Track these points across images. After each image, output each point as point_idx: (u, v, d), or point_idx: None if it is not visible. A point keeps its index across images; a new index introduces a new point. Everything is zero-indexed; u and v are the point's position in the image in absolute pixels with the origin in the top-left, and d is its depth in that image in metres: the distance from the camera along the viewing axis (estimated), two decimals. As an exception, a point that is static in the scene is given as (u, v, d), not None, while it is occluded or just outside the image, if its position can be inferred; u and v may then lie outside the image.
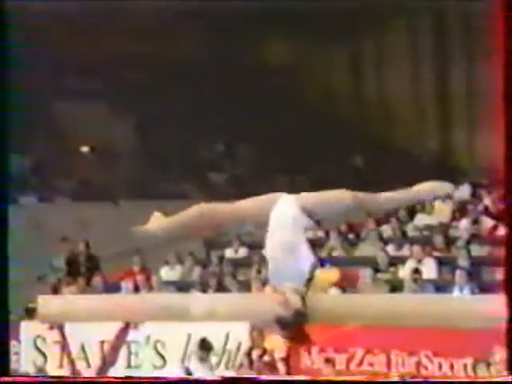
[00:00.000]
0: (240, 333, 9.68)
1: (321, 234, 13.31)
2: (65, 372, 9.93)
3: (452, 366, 8.74)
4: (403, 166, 14.45)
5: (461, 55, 15.17)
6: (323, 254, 12.31)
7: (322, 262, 11.85)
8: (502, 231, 11.77)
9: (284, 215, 4.32)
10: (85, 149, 16.38)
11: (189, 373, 9.44)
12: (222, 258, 12.80)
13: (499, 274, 10.02)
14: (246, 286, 10.95)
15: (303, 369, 9.52)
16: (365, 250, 12.04)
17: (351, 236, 12.71)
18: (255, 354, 9.54)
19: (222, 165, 16.28)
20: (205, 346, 9.51)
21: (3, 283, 3.15)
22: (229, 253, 13.12)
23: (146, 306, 5.08)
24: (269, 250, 4.26)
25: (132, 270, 12.12)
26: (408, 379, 4.56)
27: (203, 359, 9.49)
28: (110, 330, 6.99)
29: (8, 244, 3.41)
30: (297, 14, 14.23)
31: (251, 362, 9.50)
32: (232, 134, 15.79)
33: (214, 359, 9.71)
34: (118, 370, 10.12)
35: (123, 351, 10.35)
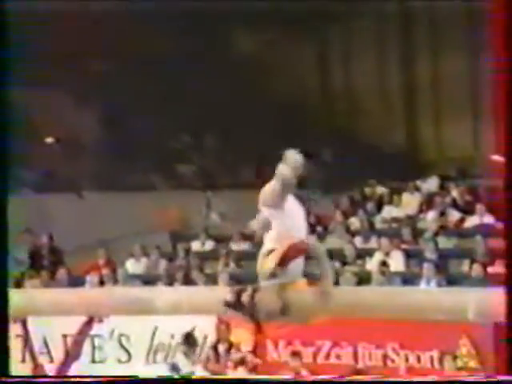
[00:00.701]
0: (206, 326, 9.65)
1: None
2: (26, 366, 9.84)
3: (419, 359, 8.80)
4: (370, 159, 14.51)
5: (427, 47, 15.24)
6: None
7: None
8: (469, 223, 11.89)
9: None
10: (49, 140, 16.21)
11: (176, 369, 9.41)
12: (188, 251, 12.76)
13: (466, 267, 10.12)
14: (212, 280, 10.92)
15: (270, 362, 9.53)
16: (332, 242, 12.08)
17: (319, 228, 12.74)
18: (222, 347, 9.53)
19: (190, 156, 16.20)
20: (190, 341, 9.48)
21: (2, 283, 3.10)
22: (195, 246, 13.08)
23: (110, 300, 5.04)
24: None
25: (97, 263, 12.02)
26: (408, 379, 4.58)
27: (188, 354, 9.46)
28: (73, 324, 6.94)
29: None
30: (264, 6, 14.20)
31: (217, 355, 9.49)
32: (199, 125, 15.72)
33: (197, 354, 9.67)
34: (81, 365, 10.07)
35: (87, 345, 10.28)
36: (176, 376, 7.66)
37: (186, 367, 9.36)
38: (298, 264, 4.49)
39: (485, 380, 3.58)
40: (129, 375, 8.23)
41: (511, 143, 2.24)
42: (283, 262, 4.43)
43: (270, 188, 4.59)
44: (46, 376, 8.33)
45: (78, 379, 3.54)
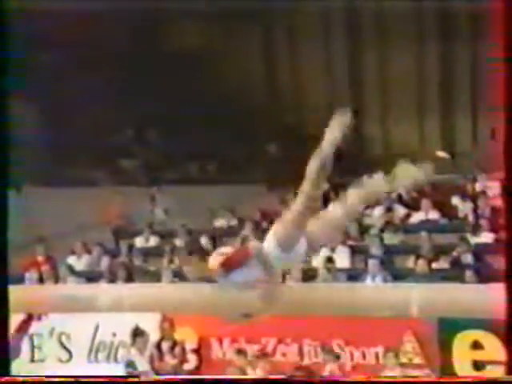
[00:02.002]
0: (149, 324, 9.60)
1: (234, 222, 13.36)
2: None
3: (364, 355, 8.91)
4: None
5: (374, 44, 15.40)
6: (237, 242, 12.34)
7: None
8: (414, 219, 12.07)
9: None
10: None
11: (132, 366, 9.33)
12: (131, 248, 12.67)
13: (411, 262, 10.27)
14: (156, 276, 10.87)
15: (214, 360, 9.53)
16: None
17: (265, 224, 12.78)
18: (165, 345, 9.49)
19: (133, 151, 16.06)
20: (139, 334, 9.41)
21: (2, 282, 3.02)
22: (139, 242, 12.99)
23: (50, 297, 4.98)
24: None
25: (36, 259, 11.86)
26: (407, 379, 4.61)
27: (141, 349, 9.38)
28: (11, 322, 6.82)
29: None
30: (211, 1, 14.17)
31: (161, 353, 9.45)
32: (143, 119, 15.61)
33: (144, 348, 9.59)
34: (19, 364, 9.91)
35: (26, 344, 10.13)
36: (180, 376, 7.62)
37: (142, 364, 9.31)
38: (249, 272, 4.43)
39: (485, 380, 3.62)
40: (130, 375, 8.13)
41: (511, 144, 2.27)
42: (226, 265, 4.40)
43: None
44: (45, 376, 8.19)
45: (78, 379, 3.49)
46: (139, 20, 14.70)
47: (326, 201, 14.70)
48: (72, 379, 3.42)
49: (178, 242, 12.63)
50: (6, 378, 2.99)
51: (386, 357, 8.46)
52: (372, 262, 9.99)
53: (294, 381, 3.23)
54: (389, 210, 12.10)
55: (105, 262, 12.12)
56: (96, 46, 14.34)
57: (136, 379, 3.13)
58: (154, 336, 9.63)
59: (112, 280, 10.89)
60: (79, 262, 12.20)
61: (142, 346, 9.41)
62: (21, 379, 3.14)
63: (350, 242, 11.22)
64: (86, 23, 14.04)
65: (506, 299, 2.51)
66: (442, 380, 3.56)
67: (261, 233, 12.50)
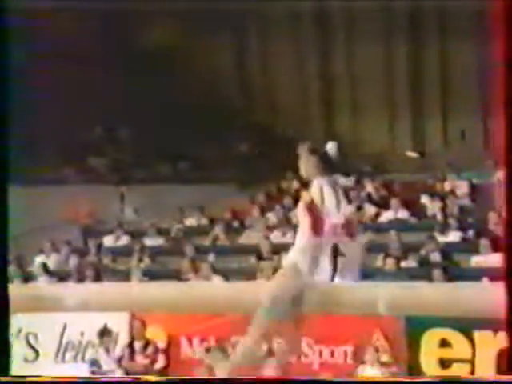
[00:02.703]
0: (118, 324, 9.56)
1: (205, 221, 13.35)
2: None
3: (332, 354, 8.94)
4: (289, 154, 14.61)
5: (344, 40, 15.47)
6: (207, 242, 12.35)
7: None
8: (383, 218, 12.15)
9: None
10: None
11: (97, 365, 9.28)
12: (100, 247, 12.60)
13: (380, 261, 10.33)
14: (125, 276, 10.82)
15: (184, 359, 9.52)
16: (249, 237, 12.15)
17: (236, 224, 12.79)
18: (138, 345, 9.45)
19: (103, 149, 15.96)
20: (106, 333, 9.37)
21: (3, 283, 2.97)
22: (108, 241, 12.93)
23: (17, 297, 4.94)
24: None
25: (4, 258, 11.73)
26: (407, 379, 4.62)
27: (108, 348, 9.33)
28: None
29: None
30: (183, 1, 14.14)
31: (133, 353, 9.41)
32: (113, 117, 15.52)
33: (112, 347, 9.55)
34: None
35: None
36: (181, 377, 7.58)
37: (108, 363, 9.26)
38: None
39: (485, 380, 3.63)
40: (131, 376, 8.05)
41: (511, 148, 2.28)
42: None
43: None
44: (45, 376, 8.10)
45: (78, 379, 3.45)
46: (110, 18, 14.63)
47: (297, 199, 14.68)
48: (72, 379, 3.40)
49: (148, 242, 12.60)
50: (6, 378, 2.96)
51: (358, 354, 8.51)
52: (342, 261, 10.01)
53: (293, 381, 3.23)
54: (359, 208, 12.17)
55: (73, 261, 12.04)
56: (67, 43, 14.24)
57: (136, 379, 3.11)
58: (123, 335, 9.59)
59: (80, 279, 10.83)
60: (48, 261, 12.11)
61: (109, 345, 9.37)
62: (21, 379, 3.10)
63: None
64: (55, 20, 13.95)
65: (506, 298, 2.51)
66: (442, 380, 3.57)
67: (232, 232, 12.56)
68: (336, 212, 4.21)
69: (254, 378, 3.47)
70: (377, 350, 8.34)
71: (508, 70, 2.24)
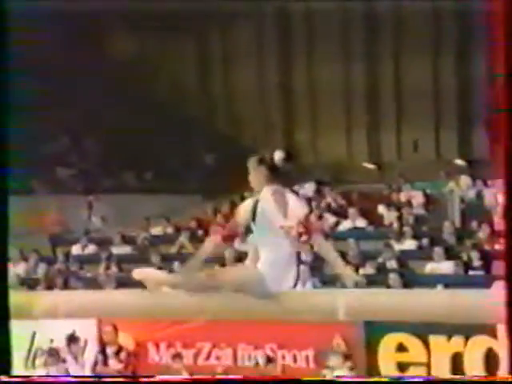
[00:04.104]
0: (86, 330, 9.48)
1: (170, 230, 13.31)
2: None
3: (295, 358, 8.97)
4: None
5: (304, 52, 15.56)
6: (173, 250, 12.31)
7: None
8: (342, 227, 12.23)
9: None
10: None
11: (66, 371, 9.16)
12: (68, 255, 12.50)
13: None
14: (93, 283, 10.74)
15: (151, 364, 9.47)
16: (213, 245, 12.11)
17: (200, 232, 12.78)
18: (110, 350, 9.37)
19: (70, 159, 15.84)
20: (74, 340, 9.26)
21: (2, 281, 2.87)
22: (76, 249, 12.83)
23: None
24: None
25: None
26: (407, 379, 4.61)
27: (76, 355, 9.22)
28: None
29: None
30: (146, 10, 14.10)
31: (106, 358, 9.32)
32: (80, 128, 15.42)
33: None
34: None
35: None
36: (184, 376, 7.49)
37: (75, 369, 9.16)
38: None
39: (484, 380, 3.62)
40: (132, 376, 7.94)
41: (510, 154, 2.27)
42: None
43: None
44: (46, 376, 7.95)
45: (78, 379, 3.38)
46: (75, 27, 14.51)
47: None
48: (73, 379, 3.33)
49: (115, 250, 12.52)
50: (6, 378, 2.89)
51: (319, 358, 8.55)
52: (302, 269, 10.06)
53: (293, 381, 3.20)
54: (319, 217, 12.24)
55: (41, 269, 11.92)
56: (31, 54, 14.10)
57: (136, 379, 3.06)
58: (91, 341, 9.51)
59: (49, 287, 10.72)
60: (16, 269, 11.97)
61: (76, 351, 9.28)
62: (21, 379, 3.03)
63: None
64: (20, 27, 13.75)
65: (506, 302, 2.52)
66: (442, 380, 3.56)
67: (196, 241, 12.53)
68: (281, 216, 4.18)
69: (254, 378, 3.45)
70: (342, 356, 8.37)
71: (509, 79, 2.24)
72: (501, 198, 12.02)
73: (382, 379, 3.25)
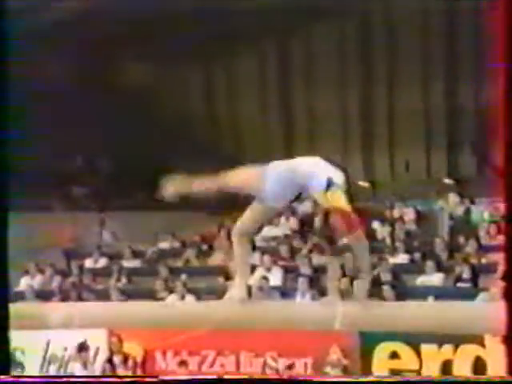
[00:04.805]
0: (97, 339, 9.44)
1: (177, 245, 13.29)
2: None
3: (294, 365, 8.92)
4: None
5: (301, 82, 15.61)
6: (179, 263, 12.29)
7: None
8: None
9: None
10: None
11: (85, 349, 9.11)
12: (82, 268, 12.48)
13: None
14: (104, 295, 10.71)
15: (158, 371, 9.42)
16: (217, 259, 12.12)
17: (205, 247, 12.76)
18: (117, 359, 9.34)
19: (85, 179, 15.92)
20: (84, 348, 9.22)
21: (3, 279, 2.83)
22: (88, 263, 12.81)
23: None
24: None
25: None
26: (407, 379, 4.55)
27: (85, 363, 9.17)
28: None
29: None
30: (155, 36, 14.18)
31: (113, 367, 9.28)
32: (93, 149, 15.47)
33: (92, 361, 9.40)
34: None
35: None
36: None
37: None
38: None
39: (484, 380, 3.54)
40: (133, 376, 7.89)
41: (510, 163, 2.21)
42: None
43: None
44: (46, 376, 7.90)
45: (79, 379, 3.33)
46: (89, 51, 14.53)
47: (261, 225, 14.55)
48: (74, 379, 3.28)
49: (125, 263, 12.50)
50: (6, 378, 2.85)
51: (316, 366, 8.50)
52: (302, 281, 10.04)
53: (292, 381, 3.16)
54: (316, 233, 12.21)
55: (56, 281, 11.89)
56: (47, 75, 14.14)
57: (136, 379, 3.01)
58: (102, 350, 9.48)
59: (63, 298, 10.68)
60: (32, 282, 11.95)
61: (86, 359, 9.24)
62: (21, 379, 2.98)
63: (282, 263, 11.27)
64: (36, 53, 13.80)
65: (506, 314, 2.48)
66: (442, 380, 3.50)
67: (202, 255, 12.51)
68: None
69: (255, 378, 3.41)
70: (338, 364, 8.33)
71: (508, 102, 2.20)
72: (487, 215, 12.02)
73: (382, 379, 3.20)
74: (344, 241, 3.98)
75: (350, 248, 3.90)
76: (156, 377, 3.02)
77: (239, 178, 4.14)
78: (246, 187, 3.98)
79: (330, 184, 3.88)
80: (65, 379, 3.27)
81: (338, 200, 3.86)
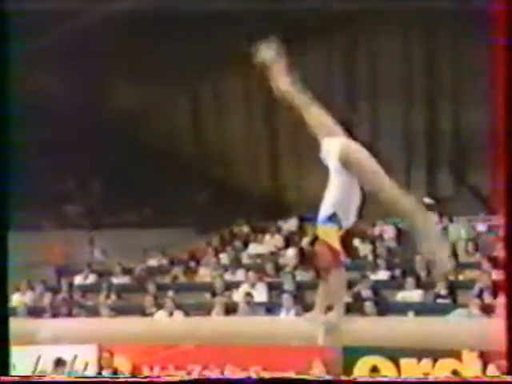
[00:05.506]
0: (87, 354, 9.35)
1: (165, 262, 13.24)
2: None
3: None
4: (240, 202, 14.68)
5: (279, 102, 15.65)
6: (167, 280, 12.24)
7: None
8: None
9: None
10: None
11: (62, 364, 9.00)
12: (71, 285, 12.39)
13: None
14: (94, 311, 10.63)
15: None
16: (204, 275, 12.08)
17: (193, 264, 12.72)
18: (106, 372, 9.25)
19: (76, 199, 15.87)
20: (60, 364, 9.11)
21: (2, 281, 2.78)
22: (78, 279, 12.72)
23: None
24: None
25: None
26: (407, 379, 4.51)
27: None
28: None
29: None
30: (142, 57, 14.23)
31: None
32: (84, 170, 15.46)
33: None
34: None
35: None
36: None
37: None
38: None
39: (486, 380, 3.50)
40: (135, 376, 7.79)
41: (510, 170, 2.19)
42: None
43: None
44: (46, 376, 7.77)
45: (79, 379, 3.27)
46: (80, 74, 14.52)
47: (247, 242, 14.69)
48: (74, 379, 3.23)
49: (115, 280, 12.43)
50: (6, 378, 2.79)
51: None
52: (286, 297, 10.01)
53: (293, 381, 3.12)
54: (300, 250, 12.20)
55: (47, 298, 11.79)
56: (39, 98, 14.12)
57: (136, 379, 2.96)
58: (92, 365, 9.39)
59: (54, 315, 10.59)
60: (23, 298, 11.83)
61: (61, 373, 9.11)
62: (21, 379, 2.92)
63: (267, 279, 11.24)
64: (29, 75, 13.79)
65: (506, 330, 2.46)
66: (441, 380, 3.47)
67: (189, 271, 12.47)
68: None
69: (255, 378, 3.37)
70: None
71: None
72: (464, 233, 12.07)
73: (382, 379, 3.18)
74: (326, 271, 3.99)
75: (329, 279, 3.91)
76: (153, 377, 2.96)
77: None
78: None
79: (330, 220, 3.93)
80: (64, 379, 3.23)
81: (332, 239, 3.91)
